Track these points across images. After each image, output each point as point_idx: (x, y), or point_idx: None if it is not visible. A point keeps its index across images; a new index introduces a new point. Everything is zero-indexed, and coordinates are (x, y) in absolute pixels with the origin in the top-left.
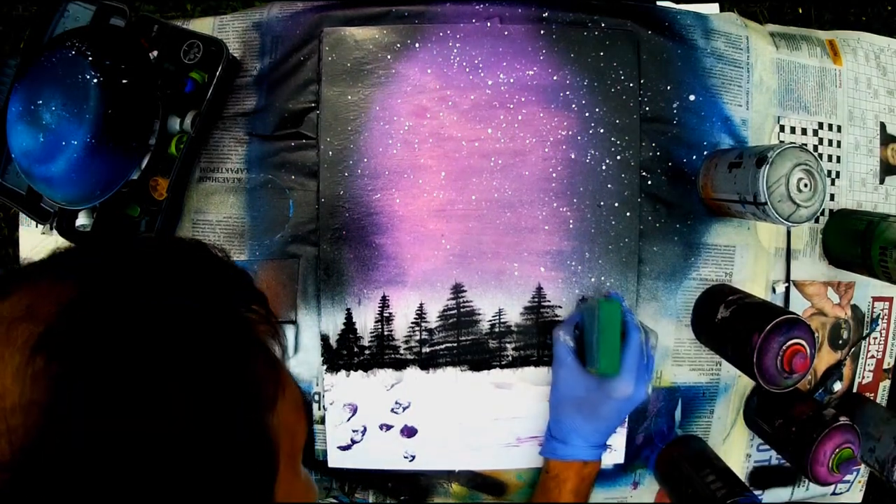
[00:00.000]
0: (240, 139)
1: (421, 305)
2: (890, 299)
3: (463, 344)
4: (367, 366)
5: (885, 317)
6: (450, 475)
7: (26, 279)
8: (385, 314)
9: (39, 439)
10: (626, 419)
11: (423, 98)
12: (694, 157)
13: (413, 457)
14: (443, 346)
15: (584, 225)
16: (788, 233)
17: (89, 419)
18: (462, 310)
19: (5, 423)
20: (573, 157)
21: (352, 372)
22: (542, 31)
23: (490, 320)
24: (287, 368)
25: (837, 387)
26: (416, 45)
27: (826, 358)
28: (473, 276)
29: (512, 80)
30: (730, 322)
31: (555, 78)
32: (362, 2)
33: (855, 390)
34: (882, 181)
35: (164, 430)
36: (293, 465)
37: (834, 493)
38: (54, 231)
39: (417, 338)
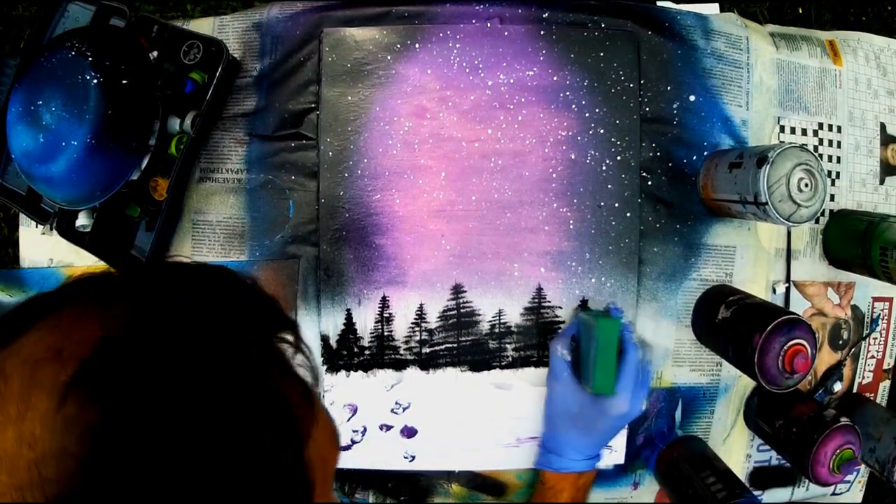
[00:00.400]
0: (240, 139)
1: (421, 306)
2: (890, 299)
3: (463, 344)
4: (367, 366)
5: (885, 317)
6: (450, 475)
7: (45, 312)
8: (385, 314)
9: (76, 493)
10: None
11: (423, 98)
12: (694, 157)
13: (413, 457)
14: (443, 347)
15: (584, 225)
16: (789, 233)
17: (131, 473)
18: (462, 310)
19: (37, 473)
20: (573, 157)
21: (352, 372)
22: (542, 32)
23: (490, 321)
24: (318, 394)
25: (838, 387)
26: (416, 45)
27: (826, 358)
28: (473, 277)
29: (512, 81)
30: (730, 322)
31: (555, 78)
32: (362, 2)
33: (855, 390)
34: (882, 182)
35: (208, 481)
36: (325, 492)
37: (834, 494)
38: (54, 231)
39: (417, 338)
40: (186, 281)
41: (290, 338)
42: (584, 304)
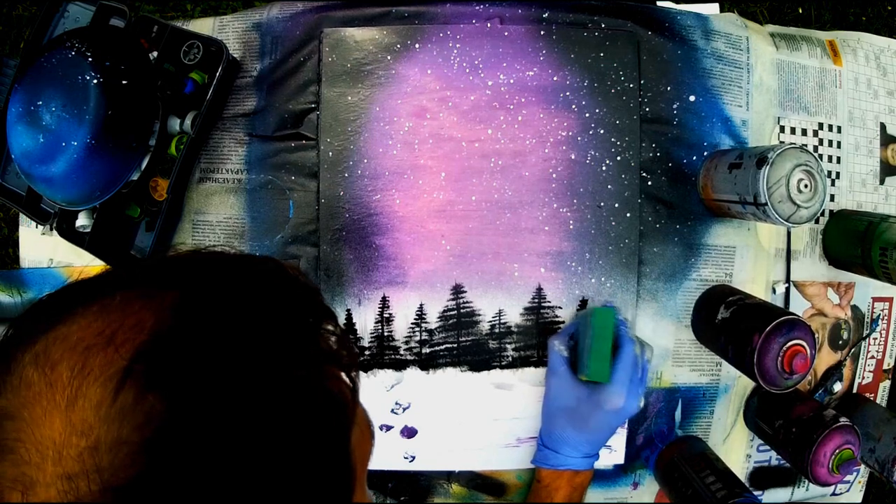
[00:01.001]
0: (240, 140)
1: (421, 306)
2: (890, 300)
3: (463, 344)
4: (367, 366)
5: (885, 317)
6: (450, 475)
7: (88, 298)
8: (385, 315)
9: (136, 481)
10: (626, 421)
11: (423, 99)
12: (694, 157)
13: (413, 457)
14: (443, 347)
15: (584, 226)
16: (788, 233)
17: (198, 461)
18: (462, 310)
19: (92, 462)
20: (573, 157)
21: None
22: (542, 32)
23: (490, 321)
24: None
25: (837, 387)
26: (417, 45)
27: (826, 358)
28: (473, 277)
29: (512, 81)
30: (730, 323)
31: (555, 79)
32: (362, 2)
33: (855, 391)
34: (882, 182)
35: (267, 469)
36: (362, 486)
37: (834, 494)
38: (54, 231)
39: (417, 338)
40: (234, 271)
41: (332, 328)
42: (583, 304)
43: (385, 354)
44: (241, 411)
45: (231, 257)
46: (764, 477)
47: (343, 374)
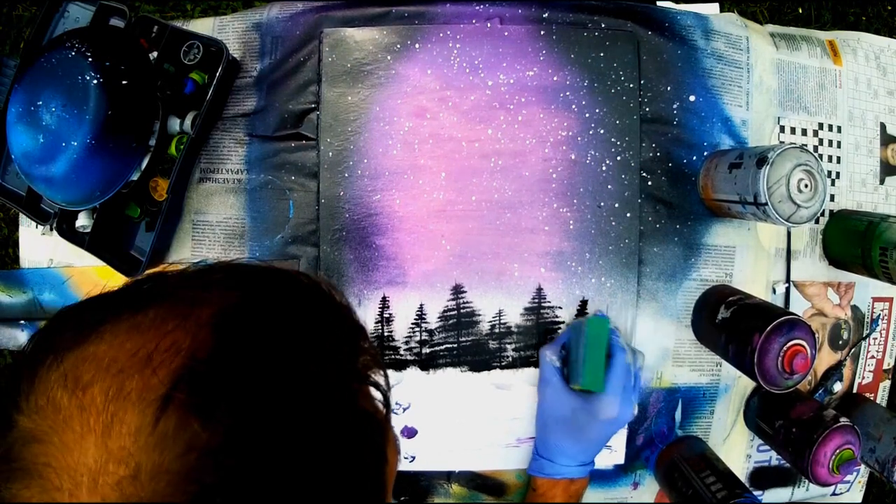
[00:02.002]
0: (240, 140)
1: (421, 306)
2: (890, 300)
3: (463, 344)
4: None
5: (885, 317)
6: (450, 476)
7: (117, 313)
8: (385, 315)
9: None
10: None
11: (423, 99)
12: (694, 157)
13: (413, 457)
14: (443, 347)
15: (584, 226)
16: (788, 233)
17: (241, 490)
18: (462, 310)
19: (133, 490)
20: (573, 157)
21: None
22: (542, 32)
23: (490, 321)
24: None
25: (838, 387)
26: (416, 45)
27: (826, 358)
28: (473, 277)
29: (512, 81)
30: (730, 323)
31: (555, 78)
32: (362, 2)
33: (855, 391)
34: (882, 182)
35: (311, 492)
36: (389, 496)
37: (834, 494)
38: (54, 232)
39: (417, 338)
40: (269, 287)
41: (366, 345)
42: (583, 305)
43: (385, 354)
44: (286, 438)
45: (264, 271)
46: (764, 477)
47: (378, 392)
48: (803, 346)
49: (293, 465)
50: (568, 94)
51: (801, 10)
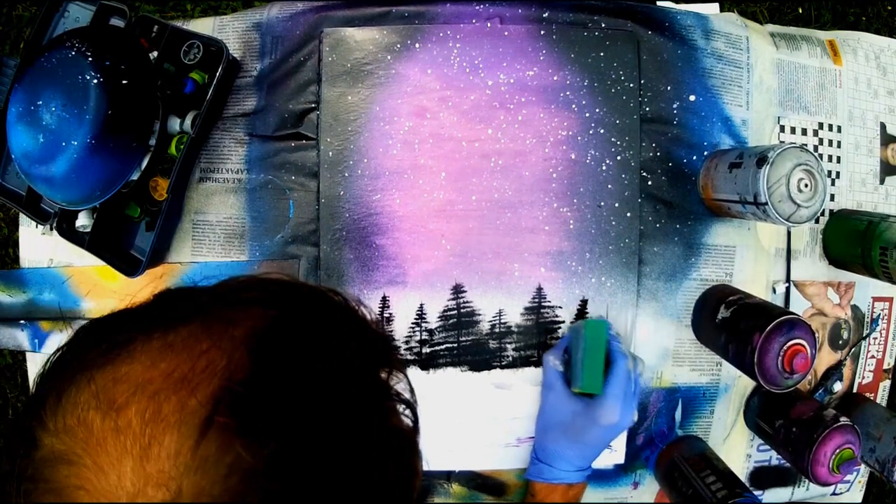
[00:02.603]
0: (240, 139)
1: (421, 306)
2: (890, 299)
3: (463, 344)
4: None
5: (885, 317)
6: (450, 475)
7: (146, 330)
8: (385, 315)
9: None
10: None
11: (423, 98)
12: (694, 157)
13: None
14: (443, 347)
15: (584, 225)
16: (788, 233)
17: None
18: (462, 310)
19: None
20: (573, 157)
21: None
22: (542, 32)
23: (490, 321)
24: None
25: (838, 387)
26: (417, 45)
27: (826, 358)
28: (473, 277)
29: (512, 81)
30: (730, 322)
31: (555, 78)
32: (362, 2)
33: (855, 390)
34: (882, 181)
35: None
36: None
37: (834, 494)
38: (54, 231)
39: (417, 338)
40: (301, 305)
41: (392, 359)
42: (583, 304)
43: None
44: (327, 460)
45: (296, 289)
46: (764, 477)
47: (407, 410)
48: (803, 346)
49: (334, 486)
50: (568, 93)
51: (801, 10)
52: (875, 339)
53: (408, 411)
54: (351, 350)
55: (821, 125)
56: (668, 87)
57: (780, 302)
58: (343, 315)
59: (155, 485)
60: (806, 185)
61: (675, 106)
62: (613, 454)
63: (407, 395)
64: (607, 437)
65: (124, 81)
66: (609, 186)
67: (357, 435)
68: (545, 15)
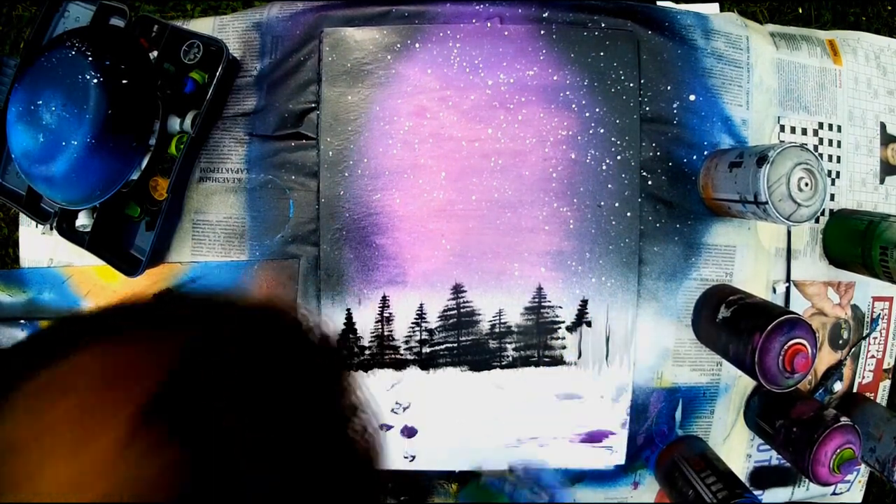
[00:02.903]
0: (240, 139)
1: (421, 305)
2: (890, 299)
3: (463, 344)
4: (367, 366)
5: (886, 317)
6: (450, 475)
7: (95, 333)
8: (385, 314)
9: None
10: (628, 420)
11: (423, 98)
12: (694, 157)
13: (413, 457)
14: (443, 347)
15: (584, 225)
16: (789, 233)
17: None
18: (462, 310)
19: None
20: (573, 157)
21: (352, 372)
22: (542, 32)
23: (490, 320)
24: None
25: (838, 387)
26: (417, 45)
27: (826, 358)
28: (473, 277)
29: (512, 81)
30: (731, 322)
31: (555, 78)
32: (362, 2)
33: (855, 390)
34: (882, 181)
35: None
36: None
37: (834, 493)
38: (54, 231)
39: (417, 338)
40: (244, 318)
41: (350, 382)
42: (584, 304)
43: (385, 354)
44: (260, 460)
45: (242, 305)
46: (764, 477)
47: (367, 427)
48: (804, 346)
49: (261, 481)
50: (568, 93)
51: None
52: (875, 338)
53: (370, 420)
54: (292, 359)
55: (821, 125)
56: (668, 87)
57: (780, 302)
58: (291, 331)
59: (95, 474)
60: (806, 185)
61: (675, 106)
62: (613, 454)
63: (371, 408)
64: None
65: (124, 81)
66: (609, 186)
67: (285, 439)
68: (545, 15)
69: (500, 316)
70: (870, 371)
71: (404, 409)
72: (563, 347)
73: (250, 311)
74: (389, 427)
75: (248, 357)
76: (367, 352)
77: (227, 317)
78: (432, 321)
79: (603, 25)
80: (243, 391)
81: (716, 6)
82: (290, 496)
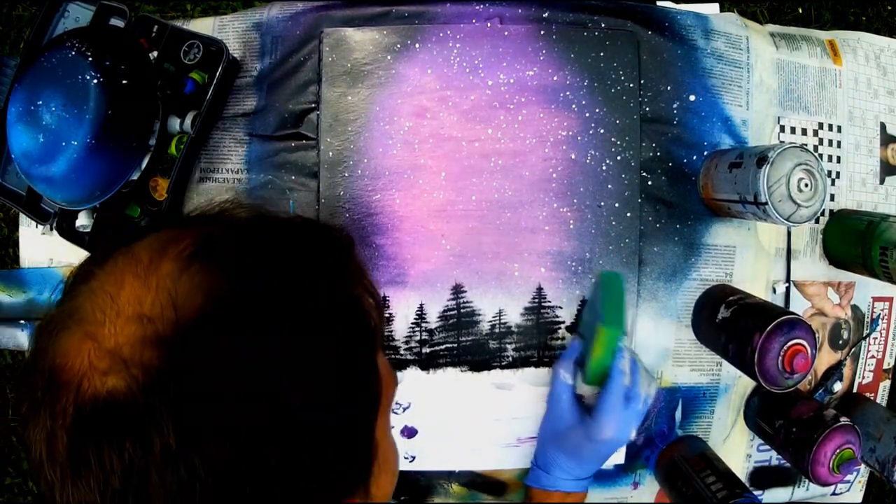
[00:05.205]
0: (240, 139)
1: (421, 306)
2: (890, 299)
3: (463, 344)
4: None
5: (886, 317)
6: (450, 475)
7: (167, 224)
8: (385, 315)
9: (202, 318)
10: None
11: (423, 98)
12: (694, 157)
13: (413, 457)
14: (443, 347)
15: (584, 225)
16: (789, 233)
17: (245, 320)
18: (462, 310)
19: (169, 301)
20: (573, 157)
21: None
22: (542, 32)
23: (490, 321)
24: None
25: (838, 387)
26: (417, 45)
27: (826, 358)
28: (473, 277)
29: (512, 81)
30: (730, 322)
31: (555, 78)
32: (362, 2)
33: (855, 390)
34: (882, 181)
35: (299, 351)
36: (386, 416)
37: (834, 494)
38: (54, 231)
39: (417, 338)
40: (274, 216)
41: (354, 264)
42: (583, 304)
43: (385, 354)
44: (283, 295)
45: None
46: (764, 477)
47: (370, 298)
48: (804, 346)
49: (282, 312)
50: (568, 93)
51: (801, 10)
52: (875, 339)
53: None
54: (316, 237)
55: (821, 125)
56: (668, 87)
57: (780, 302)
58: (312, 223)
59: (155, 289)
60: (806, 185)
61: (675, 106)
62: (614, 454)
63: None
64: (602, 452)
65: (124, 81)
66: (609, 186)
67: (315, 296)
68: (545, 15)
69: (500, 316)
70: (870, 371)
71: (404, 409)
72: (563, 348)
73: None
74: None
75: (276, 226)
76: None
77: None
78: (432, 321)
79: (603, 25)
80: (271, 247)
81: (716, 6)
82: (301, 318)
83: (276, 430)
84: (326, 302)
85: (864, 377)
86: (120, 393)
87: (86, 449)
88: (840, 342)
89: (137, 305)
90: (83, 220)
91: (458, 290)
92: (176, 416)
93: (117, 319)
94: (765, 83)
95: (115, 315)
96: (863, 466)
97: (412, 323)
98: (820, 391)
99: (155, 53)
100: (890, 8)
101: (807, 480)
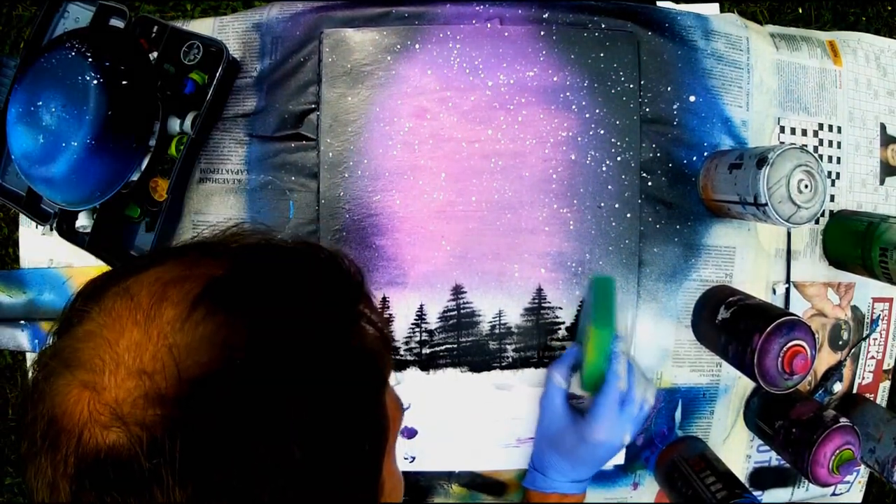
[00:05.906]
0: (240, 140)
1: (421, 307)
2: (890, 300)
3: (463, 345)
4: None
5: (885, 318)
6: (450, 476)
7: (168, 256)
8: (385, 315)
9: (211, 377)
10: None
11: (423, 99)
12: (694, 158)
13: (413, 458)
14: (443, 348)
15: (584, 226)
16: (788, 234)
17: (257, 366)
18: (462, 311)
19: (170, 358)
20: (573, 158)
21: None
22: (542, 33)
23: (490, 321)
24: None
25: (837, 388)
26: (417, 46)
27: (826, 359)
28: (474, 278)
29: (512, 82)
30: (730, 323)
31: (555, 79)
32: (362, 3)
33: (855, 391)
34: (882, 182)
35: (309, 385)
36: (393, 453)
37: (834, 494)
38: (54, 232)
39: (417, 339)
40: (282, 248)
41: (369, 310)
42: (583, 305)
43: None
44: (288, 334)
45: (281, 243)
46: (764, 477)
47: (378, 334)
48: (803, 347)
49: (289, 356)
50: (568, 94)
51: (801, 10)
52: (875, 339)
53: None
54: (321, 275)
55: (821, 126)
56: (668, 88)
57: (780, 303)
58: (320, 260)
59: (156, 339)
60: (806, 186)
61: (675, 107)
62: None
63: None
64: (598, 454)
65: (124, 82)
66: (609, 187)
67: (317, 330)
68: (545, 16)
69: (500, 317)
70: (869, 372)
71: (404, 409)
72: (563, 348)
73: (282, 244)
74: None
75: (283, 266)
76: None
77: (264, 247)
78: (432, 322)
79: (603, 26)
80: (277, 292)
81: (716, 7)
82: (309, 371)
83: (282, 486)
84: (336, 355)
85: (863, 378)
86: (122, 449)
87: (88, 501)
88: (840, 343)
89: (138, 359)
90: (83, 221)
91: (458, 291)
92: (180, 476)
93: (117, 371)
94: (765, 84)
95: (115, 365)
96: (862, 467)
97: (412, 324)
98: (820, 392)
99: (155, 54)
100: (890, 8)
101: (806, 481)
